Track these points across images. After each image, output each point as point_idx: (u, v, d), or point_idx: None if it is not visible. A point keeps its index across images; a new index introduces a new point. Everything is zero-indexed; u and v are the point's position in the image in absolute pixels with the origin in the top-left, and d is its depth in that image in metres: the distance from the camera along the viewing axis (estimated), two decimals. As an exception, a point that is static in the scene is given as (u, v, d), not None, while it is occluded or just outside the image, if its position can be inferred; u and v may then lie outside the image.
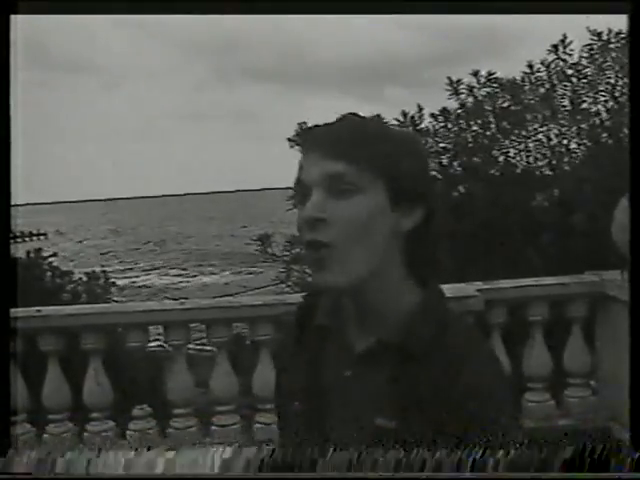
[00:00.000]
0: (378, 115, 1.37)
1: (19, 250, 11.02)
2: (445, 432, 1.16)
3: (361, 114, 1.30)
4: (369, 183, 1.20)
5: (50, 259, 11.05)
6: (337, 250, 1.20)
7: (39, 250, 10.96)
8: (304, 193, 1.23)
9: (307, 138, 1.28)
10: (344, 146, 1.20)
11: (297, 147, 1.37)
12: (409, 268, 1.30)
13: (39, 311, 4.98)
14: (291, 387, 1.42)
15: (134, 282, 41.36)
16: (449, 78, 8.62)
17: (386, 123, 1.32)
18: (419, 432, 1.17)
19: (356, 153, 1.20)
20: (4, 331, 1.85)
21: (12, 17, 1.69)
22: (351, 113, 1.29)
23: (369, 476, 1.10)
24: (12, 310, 4.54)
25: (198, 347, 9.61)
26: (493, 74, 8.57)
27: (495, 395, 1.24)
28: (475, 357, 1.26)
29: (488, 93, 8.55)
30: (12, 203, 1.75)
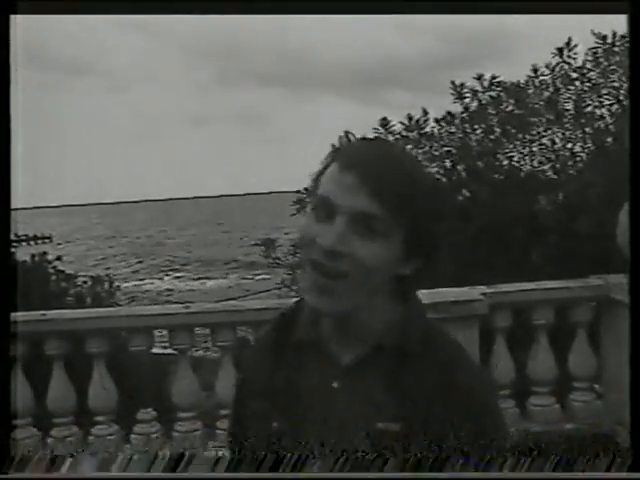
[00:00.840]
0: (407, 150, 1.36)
1: (24, 254, 11.04)
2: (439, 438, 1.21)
3: (395, 146, 1.32)
4: (393, 233, 1.23)
5: (55, 262, 11.04)
6: (345, 282, 1.23)
7: (44, 254, 10.96)
8: (325, 210, 1.24)
9: (348, 157, 1.26)
10: (382, 188, 1.20)
11: (332, 157, 1.31)
12: (396, 289, 1.35)
13: (44, 315, 4.99)
14: (264, 405, 1.41)
15: (137, 286, 41.34)
16: (452, 82, 8.61)
17: (417, 160, 1.34)
18: (422, 434, 1.22)
19: (393, 201, 1.20)
20: (4, 335, 1.85)
21: (12, 17, 1.69)
22: (385, 140, 1.33)
23: (369, 476, 1.11)
24: (18, 314, 4.56)
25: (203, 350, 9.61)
26: (497, 78, 8.56)
27: (485, 401, 1.29)
28: (462, 363, 1.33)
29: (492, 97, 8.54)
30: (12, 207, 1.75)
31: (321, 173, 1.29)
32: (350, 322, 1.31)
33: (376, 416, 1.27)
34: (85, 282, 11.25)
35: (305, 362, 1.39)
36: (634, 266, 1.65)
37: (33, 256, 10.63)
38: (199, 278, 47.93)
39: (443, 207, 1.36)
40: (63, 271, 11.06)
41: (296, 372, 1.39)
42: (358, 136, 1.38)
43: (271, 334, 1.46)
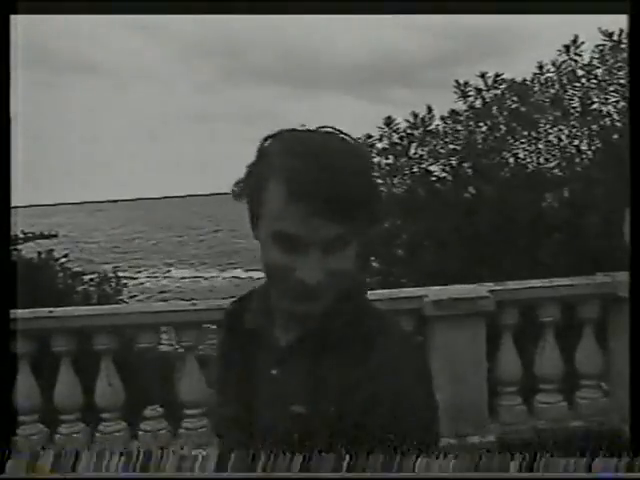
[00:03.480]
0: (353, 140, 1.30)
1: (29, 251, 11.04)
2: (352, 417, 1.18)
3: (327, 145, 1.23)
4: (356, 235, 1.23)
5: (62, 260, 11.04)
6: (323, 295, 1.23)
7: (51, 251, 10.96)
8: (293, 244, 1.20)
9: (294, 182, 1.18)
10: (341, 209, 1.17)
11: (267, 172, 1.20)
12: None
13: (51, 312, 5.01)
14: (224, 390, 1.47)
15: (143, 283, 41.37)
16: (457, 81, 8.60)
17: (359, 155, 1.28)
18: (330, 417, 1.20)
19: (352, 216, 1.19)
20: (5, 332, 1.85)
21: (12, 17, 1.70)
22: (314, 136, 1.25)
23: (369, 476, 1.11)
24: (25, 311, 4.58)
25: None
26: (501, 76, 8.55)
27: (400, 379, 1.23)
28: (384, 341, 1.27)
29: (496, 95, 8.53)
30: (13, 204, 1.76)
31: (257, 188, 1.24)
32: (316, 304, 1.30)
33: (293, 400, 1.28)
34: (92, 279, 11.25)
35: (252, 350, 1.41)
36: (634, 265, 1.65)
37: (39, 253, 10.63)
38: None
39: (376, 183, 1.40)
40: (70, 268, 11.07)
41: (244, 360, 1.42)
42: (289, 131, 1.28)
43: (225, 322, 1.50)
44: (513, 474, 1.11)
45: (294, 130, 1.28)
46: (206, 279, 43.23)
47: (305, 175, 1.17)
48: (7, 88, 1.70)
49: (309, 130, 1.28)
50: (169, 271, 46.22)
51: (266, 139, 1.27)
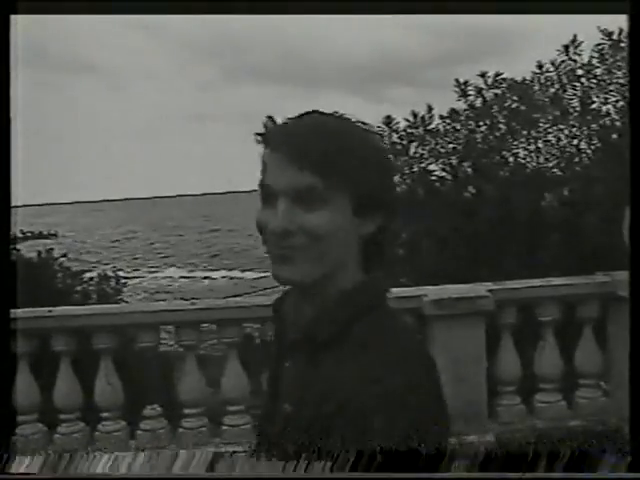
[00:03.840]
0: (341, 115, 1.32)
1: (29, 250, 11.06)
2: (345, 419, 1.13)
3: (325, 112, 1.29)
4: (336, 196, 1.22)
5: (61, 259, 11.06)
6: (305, 254, 1.23)
7: (50, 250, 10.98)
8: (269, 196, 1.25)
9: (275, 139, 1.27)
10: (314, 158, 1.20)
11: (262, 144, 1.29)
12: (362, 260, 1.33)
13: (51, 311, 5.01)
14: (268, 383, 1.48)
15: (141, 283, 41.39)
16: (457, 80, 8.61)
17: (349, 121, 1.29)
18: (320, 420, 1.16)
19: (326, 168, 1.20)
20: (5, 331, 1.85)
21: (12, 17, 1.70)
22: (316, 111, 1.29)
23: (369, 476, 1.10)
24: (24, 311, 4.57)
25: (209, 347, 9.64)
26: (500, 75, 8.55)
27: (402, 401, 1.15)
28: (393, 346, 1.23)
29: (496, 94, 8.54)
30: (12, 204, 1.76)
31: (262, 159, 1.30)
32: (314, 296, 1.30)
33: (286, 398, 1.29)
34: (91, 278, 11.27)
35: (281, 340, 1.42)
36: (634, 263, 1.64)
37: (39, 253, 10.64)
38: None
39: (382, 158, 1.33)
40: (69, 268, 11.08)
41: (274, 352, 1.44)
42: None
43: (271, 319, 1.50)
44: (513, 474, 1.11)
45: None
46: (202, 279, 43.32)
47: (289, 132, 1.25)
48: (7, 88, 1.69)
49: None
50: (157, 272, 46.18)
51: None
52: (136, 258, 51.78)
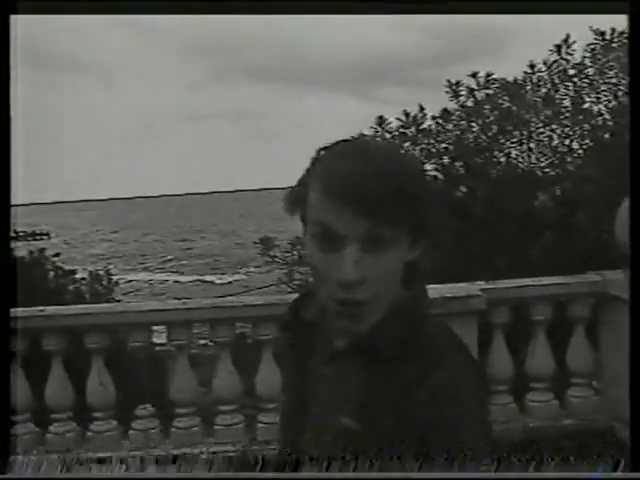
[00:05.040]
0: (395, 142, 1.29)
1: (22, 250, 11.03)
2: (410, 437, 1.14)
3: (371, 140, 1.27)
4: (400, 237, 1.21)
5: (54, 259, 11.05)
6: (368, 307, 1.21)
7: (42, 250, 10.96)
8: (331, 240, 1.20)
9: (335, 182, 1.19)
10: (381, 205, 1.16)
11: (313, 179, 1.22)
12: (404, 275, 1.30)
13: (42, 311, 4.99)
14: (284, 382, 1.48)
15: (135, 281, 41.34)
16: (448, 81, 8.61)
17: (398, 152, 1.28)
18: (383, 435, 1.16)
19: (396, 209, 1.18)
20: (4, 331, 1.84)
21: (12, 17, 1.69)
22: (364, 139, 1.26)
23: (369, 476, 1.10)
24: (15, 310, 4.55)
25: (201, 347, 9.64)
26: (492, 75, 8.55)
27: (463, 400, 1.19)
28: (446, 359, 1.23)
29: (488, 94, 8.54)
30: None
31: (304, 193, 1.25)
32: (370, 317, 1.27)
33: (342, 411, 1.25)
34: (83, 278, 11.25)
35: (308, 343, 1.40)
36: (634, 263, 1.65)
37: (31, 252, 10.62)
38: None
39: (430, 189, 1.34)
40: (61, 267, 11.06)
41: (300, 352, 1.41)
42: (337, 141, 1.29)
43: (288, 313, 1.48)
44: (513, 474, 1.11)
45: (349, 140, 1.30)
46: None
47: (344, 171, 1.19)
48: (7, 88, 1.69)
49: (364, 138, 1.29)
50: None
51: (319, 150, 1.28)
52: (108, 259, 51.35)
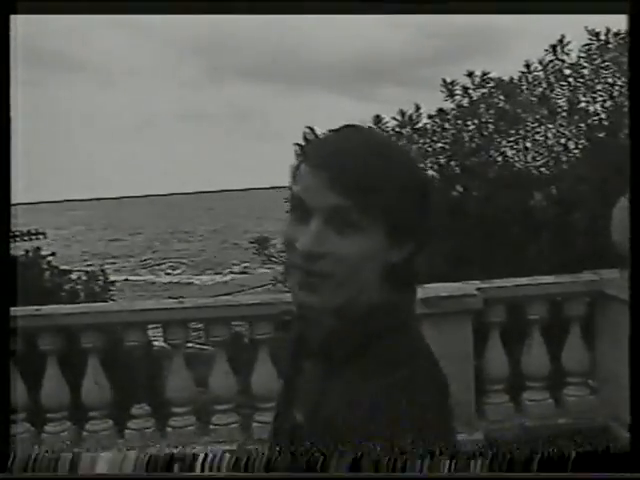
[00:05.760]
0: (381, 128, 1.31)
1: (17, 249, 11.01)
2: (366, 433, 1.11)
3: (366, 127, 1.29)
4: (370, 224, 1.19)
5: (49, 258, 11.03)
6: (331, 281, 1.20)
7: (38, 249, 10.94)
8: (302, 212, 1.22)
9: (314, 155, 1.23)
10: (353, 182, 1.16)
11: (300, 156, 1.28)
12: (389, 284, 1.29)
13: (38, 310, 4.98)
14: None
15: (130, 280, 41.31)
16: (444, 80, 8.61)
17: (389, 141, 1.28)
18: (326, 428, 1.16)
19: (364, 193, 1.16)
20: (4, 330, 1.84)
21: (12, 17, 1.69)
22: (354, 126, 1.27)
23: (369, 476, 1.10)
24: (12, 309, 4.52)
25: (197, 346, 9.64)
26: (487, 74, 8.56)
27: (424, 402, 1.16)
28: (409, 365, 1.21)
29: (484, 94, 8.55)
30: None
31: (294, 173, 1.27)
32: (340, 315, 1.27)
33: (300, 408, 1.28)
34: (79, 277, 11.24)
35: (302, 358, 1.38)
36: (634, 263, 1.64)
37: (27, 252, 10.60)
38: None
39: (420, 183, 1.29)
40: (57, 267, 11.05)
41: (295, 368, 1.40)
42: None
43: (290, 331, 1.48)
44: (513, 474, 1.11)
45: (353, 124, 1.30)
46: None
47: (331, 147, 1.22)
48: (7, 88, 1.68)
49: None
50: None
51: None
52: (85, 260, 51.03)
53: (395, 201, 1.19)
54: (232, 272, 46.40)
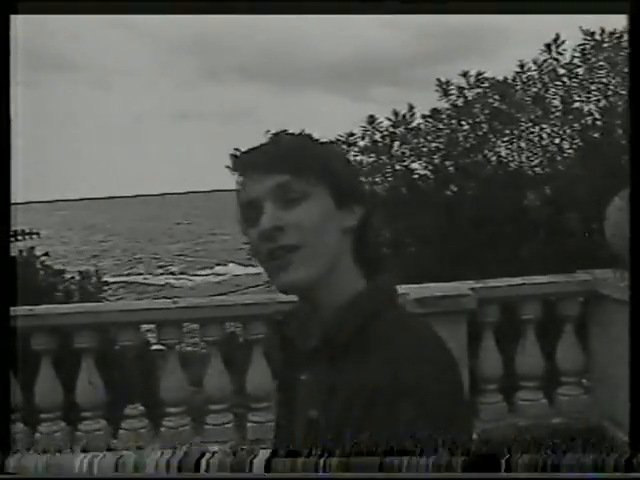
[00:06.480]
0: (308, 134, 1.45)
1: (12, 248, 10.96)
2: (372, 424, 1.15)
3: (290, 131, 1.44)
4: (313, 189, 1.30)
5: (43, 258, 10.98)
6: (299, 251, 1.28)
7: (32, 249, 10.90)
8: (254, 210, 1.31)
9: (246, 161, 1.36)
10: (284, 160, 1.30)
11: (236, 173, 1.34)
12: (358, 265, 1.38)
13: (31, 310, 4.96)
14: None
15: (125, 280, 41.22)
16: (438, 79, 8.62)
17: (313, 139, 1.42)
18: (342, 424, 1.18)
19: (296, 164, 1.30)
20: (4, 329, 1.84)
21: (12, 17, 1.69)
22: (282, 131, 1.41)
23: (369, 476, 1.10)
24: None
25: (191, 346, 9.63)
26: (482, 74, 8.57)
27: (426, 391, 1.17)
28: (417, 360, 1.22)
29: (478, 93, 8.55)
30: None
31: (237, 187, 1.39)
32: (316, 305, 1.35)
33: (310, 405, 1.30)
34: (73, 277, 11.20)
35: (289, 356, 1.46)
36: (634, 263, 1.65)
37: (21, 251, 10.56)
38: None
39: (345, 157, 1.48)
40: (51, 266, 11.01)
41: (284, 366, 1.48)
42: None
43: (279, 332, 1.52)
44: (513, 474, 1.10)
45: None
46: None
47: (252, 150, 1.37)
48: (7, 88, 1.68)
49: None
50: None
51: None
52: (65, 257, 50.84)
53: (327, 169, 1.32)
54: (226, 272, 46.37)
